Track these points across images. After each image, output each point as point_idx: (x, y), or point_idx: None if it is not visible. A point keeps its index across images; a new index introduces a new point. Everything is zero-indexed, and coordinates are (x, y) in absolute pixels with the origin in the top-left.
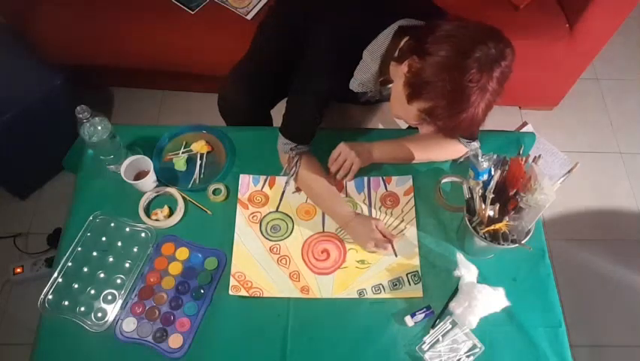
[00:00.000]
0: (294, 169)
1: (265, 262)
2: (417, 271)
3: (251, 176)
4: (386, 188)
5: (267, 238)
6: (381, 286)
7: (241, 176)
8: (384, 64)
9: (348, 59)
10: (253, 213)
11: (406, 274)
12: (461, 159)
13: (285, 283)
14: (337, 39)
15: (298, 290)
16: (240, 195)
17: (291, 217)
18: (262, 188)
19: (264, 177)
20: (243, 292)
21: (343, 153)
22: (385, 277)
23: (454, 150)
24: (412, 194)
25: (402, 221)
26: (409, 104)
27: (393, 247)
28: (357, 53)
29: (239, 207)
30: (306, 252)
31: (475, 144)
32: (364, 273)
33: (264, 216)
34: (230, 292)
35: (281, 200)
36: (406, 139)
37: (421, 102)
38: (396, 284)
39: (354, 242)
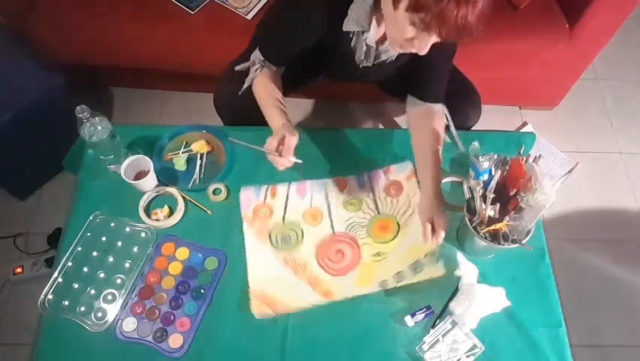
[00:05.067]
0: (250, 77)
1: (282, 275)
2: (435, 252)
3: (251, 188)
4: (387, 178)
5: (279, 250)
6: (402, 274)
7: (242, 191)
8: (376, 2)
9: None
10: (260, 227)
11: (424, 256)
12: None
13: (306, 292)
14: None
15: (320, 296)
16: (243, 212)
17: (299, 225)
18: (265, 200)
19: (265, 187)
20: (268, 310)
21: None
22: (404, 263)
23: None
24: (415, 178)
25: (409, 206)
26: (395, 10)
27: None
28: None
29: (245, 225)
30: (320, 256)
31: (476, 144)
32: (382, 265)
33: (272, 228)
34: (257, 316)
35: (285, 209)
36: (422, 165)
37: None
38: (416, 268)
39: None
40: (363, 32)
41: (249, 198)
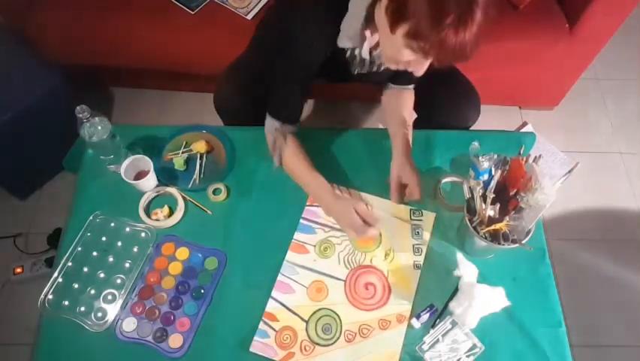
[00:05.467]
0: (277, 151)
1: (361, 349)
2: (412, 209)
3: (257, 341)
4: (318, 206)
5: (335, 341)
6: (417, 246)
7: (252, 348)
8: (369, 16)
9: (332, 12)
10: (304, 345)
11: (410, 218)
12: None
13: (391, 335)
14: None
15: (399, 324)
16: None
17: (321, 309)
18: (275, 333)
19: (262, 324)
20: None
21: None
22: (406, 237)
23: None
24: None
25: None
26: (393, 34)
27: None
28: (342, 6)
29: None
30: (359, 305)
31: (476, 144)
32: (398, 256)
33: (308, 335)
34: None
35: (297, 315)
36: (393, 135)
37: (403, 26)
38: (417, 230)
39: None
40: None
41: (262, 348)
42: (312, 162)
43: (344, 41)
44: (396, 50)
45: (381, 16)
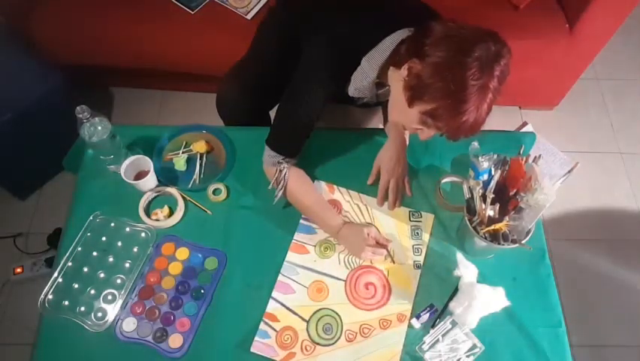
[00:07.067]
0: (282, 182)
1: (362, 346)
2: (411, 211)
3: (257, 342)
4: None
5: (336, 342)
6: (416, 246)
7: (253, 348)
8: (381, 71)
9: (345, 67)
10: (305, 344)
11: (409, 218)
12: None
13: (392, 334)
14: (334, 49)
15: (399, 323)
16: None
17: (322, 309)
18: (276, 334)
19: (262, 324)
20: None
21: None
22: (406, 237)
23: None
24: (336, 188)
25: (359, 209)
26: (410, 107)
27: (389, 252)
28: (355, 60)
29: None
30: (359, 305)
31: (476, 144)
32: (397, 257)
33: (309, 335)
34: None
35: (298, 314)
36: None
37: (422, 104)
38: (415, 231)
39: (349, 253)
40: None
41: (262, 349)
42: (316, 190)
43: (352, 91)
44: (409, 120)
45: (397, 83)
